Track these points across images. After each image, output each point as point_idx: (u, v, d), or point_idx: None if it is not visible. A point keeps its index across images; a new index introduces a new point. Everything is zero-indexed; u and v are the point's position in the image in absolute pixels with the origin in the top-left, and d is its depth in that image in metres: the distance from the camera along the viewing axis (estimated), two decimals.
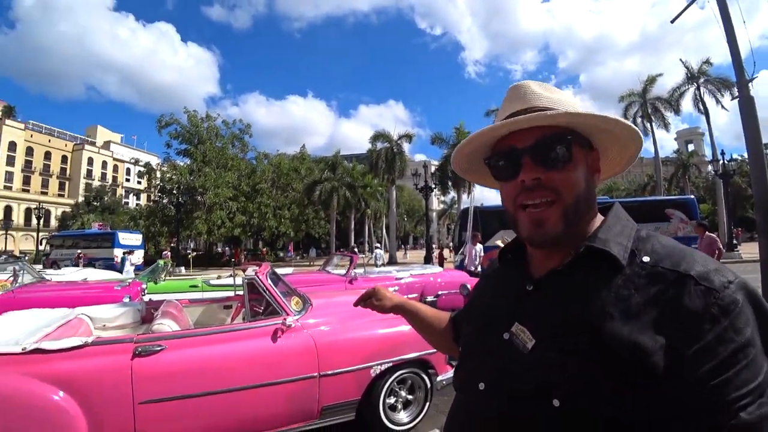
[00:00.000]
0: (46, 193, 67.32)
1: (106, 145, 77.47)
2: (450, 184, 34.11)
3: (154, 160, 40.77)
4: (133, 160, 38.16)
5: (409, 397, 3.51)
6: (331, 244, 36.70)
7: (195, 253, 31.31)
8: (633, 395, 0.55)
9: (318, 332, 3.22)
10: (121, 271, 18.78)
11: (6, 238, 49.50)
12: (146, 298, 6.17)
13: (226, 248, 41.48)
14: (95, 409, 2.50)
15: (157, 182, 31.59)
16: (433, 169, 31.14)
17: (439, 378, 3.58)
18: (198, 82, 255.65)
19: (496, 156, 0.74)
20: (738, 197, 39.65)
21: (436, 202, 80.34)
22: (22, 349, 2.54)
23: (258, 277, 3.29)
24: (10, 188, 63.18)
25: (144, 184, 37.62)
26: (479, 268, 9.87)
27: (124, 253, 24.06)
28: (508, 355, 0.68)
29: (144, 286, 7.20)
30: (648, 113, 33.25)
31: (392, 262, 29.11)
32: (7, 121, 64.42)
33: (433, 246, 30.67)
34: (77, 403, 2.47)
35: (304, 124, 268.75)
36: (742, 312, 0.56)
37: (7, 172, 64.39)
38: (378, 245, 28.69)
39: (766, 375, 0.54)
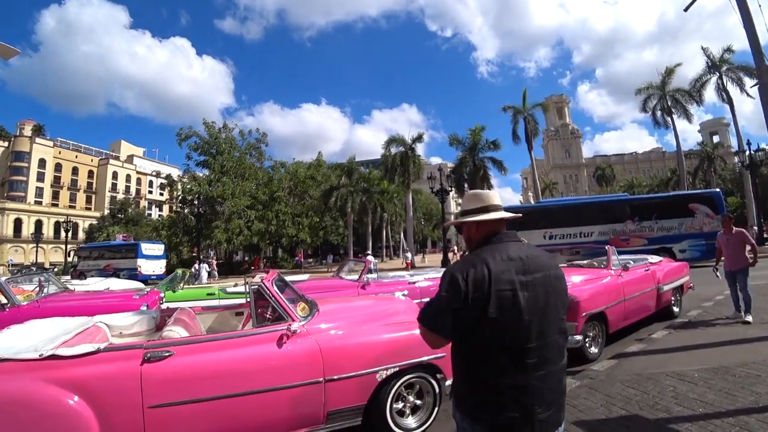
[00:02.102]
0: (74, 207, 69.72)
1: (130, 159, 79.90)
2: (466, 186, 33.95)
3: (175, 172, 41.78)
4: (154, 173, 39.13)
5: (418, 402, 3.49)
6: (348, 249, 36.84)
7: (216, 262, 31.82)
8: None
9: (324, 337, 3.24)
10: (197, 278, 20.42)
11: (37, 251, 51.35)
12: (164, 306, 6.34)
13: (246, 256, 42.08)
14: (107, 412, 2.58)
15: (178, 194, 32.32)
16: (448, 171, 31.11)
17: (447, 383, 3.55)
18: (214, 93, 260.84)
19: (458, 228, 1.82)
20: (767, 189, 37.98)
21: (454, 205, 79.81)
22: (39, 356, 2.65)
23: (264, 284, 3.34)
24: (40, 203, 65.70)
25: (166, 195, 38.52)
26: None
27: (199, 262, 25.61)
28: None
29: (162, 294, 7.38)
30: (668, 106, 32.33)
31: (411, 266, 29.01)
32: (38, 140, 67.19)
33: (455, 249, 30.38)
34: (90, 407, 2.55)
35: (319, 131, 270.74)
36: (443, 278, 1.52)
37: (37, 187, 67.02)
38: (369, 252, 28.64)
39: (437, 298, 1.50)
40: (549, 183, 74.84)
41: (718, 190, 20.05)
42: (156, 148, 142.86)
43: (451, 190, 25.91)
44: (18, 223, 60.76)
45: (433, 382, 3.49)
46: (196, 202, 29.53)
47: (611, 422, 3.26)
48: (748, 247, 6.16)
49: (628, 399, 3.66)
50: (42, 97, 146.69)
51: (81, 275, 25.55)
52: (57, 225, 59.71)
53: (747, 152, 24.67)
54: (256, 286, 3.32)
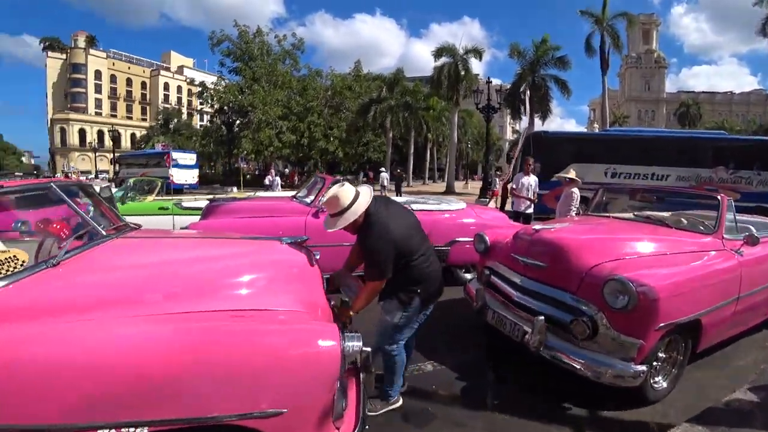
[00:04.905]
0: (131, 118, 71.68)
1: (180, 70, 78.93)
2: (523, 109, 29.60)
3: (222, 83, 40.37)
4: (187, 80, 37.82)
5: None
6: (388, 168, 34.79)
7: (250, 174, 31.04)
8: None
9: None
10: (272, 188, 20.53)
11: (95, 160, 53.76)
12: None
13: (286, 169, 41.17)
14: None
15: (210, 101, 31.03)
16: (506, 91, 27.01)
17: None
18: (263, 1, 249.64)
19: None
20: None
21: (510, 131, 73.86)
22: None
23: None
24: (100, 114, 67.87)
25: (199, 105, 37.40)
26: (529, 208, 7.32)
27: (275, 173, 25.57)
28: None
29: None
30: None
31: (450, 191, 26.65)
32: (91, 51, 67.58)
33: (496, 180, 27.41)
34: None
35: (374, 44, 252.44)
36: (377, 239, 2.35)
37: (96, 99, 68.90)
38: (383, 169, 26.64)
39: (378, 254, 2.37)
40: (620, 116, 64.40)
41: None
42: (206, 59, 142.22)
43: (499, 108, 21.93)
44: (82, 134, 63.97)
45: None
46: (227, 111, 28.07)
47: None
48: None
49: None
50: (98, 8, 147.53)
51: (123, 183, 25.76)
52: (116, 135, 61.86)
53: None
54: None
